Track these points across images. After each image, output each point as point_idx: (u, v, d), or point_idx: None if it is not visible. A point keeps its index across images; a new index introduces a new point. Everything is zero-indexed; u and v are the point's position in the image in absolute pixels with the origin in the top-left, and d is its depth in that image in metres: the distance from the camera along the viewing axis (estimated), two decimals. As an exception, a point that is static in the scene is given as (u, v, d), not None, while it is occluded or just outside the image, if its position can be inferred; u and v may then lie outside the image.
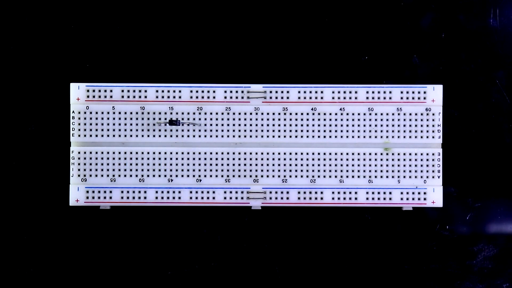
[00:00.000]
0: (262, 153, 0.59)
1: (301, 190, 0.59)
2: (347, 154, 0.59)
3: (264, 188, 0.59)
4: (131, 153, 0.59)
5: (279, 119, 0.59)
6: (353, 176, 0.59)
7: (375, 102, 0.59)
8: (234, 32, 0.61)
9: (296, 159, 0.59)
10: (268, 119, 0.59)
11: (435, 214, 0.61)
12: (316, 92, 0.59)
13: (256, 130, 0.59)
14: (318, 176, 0.59)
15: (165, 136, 0.59)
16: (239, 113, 0.59)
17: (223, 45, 0.61)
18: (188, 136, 0.59)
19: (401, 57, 0.61)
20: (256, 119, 0.59)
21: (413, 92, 0.59)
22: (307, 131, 0.59)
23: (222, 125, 0.59)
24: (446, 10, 0.62)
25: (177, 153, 0.59)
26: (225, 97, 0.59)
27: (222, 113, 0.59)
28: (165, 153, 0.59)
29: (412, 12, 0.61)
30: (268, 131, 0.59)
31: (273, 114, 0.59)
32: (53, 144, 0.61)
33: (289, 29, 0.61)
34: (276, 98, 0.59)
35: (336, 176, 0.59)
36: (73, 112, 0.59)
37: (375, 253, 0.61)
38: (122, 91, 0.59)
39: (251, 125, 0.59)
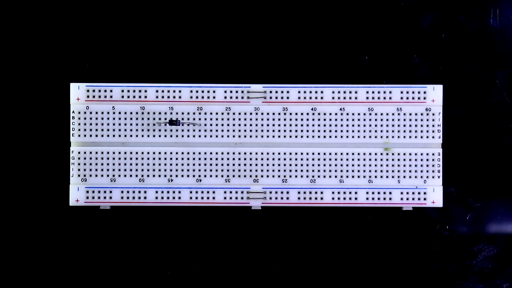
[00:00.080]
0: (262, 153, 0.59)
1: (301, 190, 0.59)
2: (347, 154, 0.59)
3: (264, 188, 0.59)
4: (131, 153, 0.59)
5: (279, 119, 0.59)
6: (353, 176, 0.59)
7: (375, 102, 0.59)
8: (234, 32, 0.61)
9: (296, 159, 0.59)
10: (268, 119, 0.59)
11: (435, 214, 0.61)
12: (316, 92, 0.59)
13: (256, 130, 0.59)
14: (318, 176, 0.59)
15: (165, 136, 0.59)
16: (239, 113, 0.59)
17: (223, 45, 0.61)
18: (188, 136, 0.59)
19: (401, 57, 0.61)
20: (256, 119, 0.59)
21: (413, 92, 0.59)
22: (307, 131, 0.59)
23: (222, 125, 0.59)
24: (446, 10, 0.62)
25: (177, 153, 0.59)
26: (225, 97, 0.59)
27: (222, 113, 0.59)
28: (165, 153, 0.59)
29: (412, 12, 0.61)
30: (268, 131, 0.59)
31: (273, 114, 0.59)
32: (53, 144, 0.61)
33: (289, 29, 0.61)
34: (276, 98, 0.59)
35: (336, 176, 0.59)
36: (73, 112, 0.59)
37: (375, 253, 0.61)
38: (122, 91, 0.59)
39: (251, 125, 0.59)
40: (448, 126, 0.61)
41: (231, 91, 0.59)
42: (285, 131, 0.59)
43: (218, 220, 0.61)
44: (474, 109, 0.61)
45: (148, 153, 0.59)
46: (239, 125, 0.59)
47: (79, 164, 0.59)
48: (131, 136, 0.59)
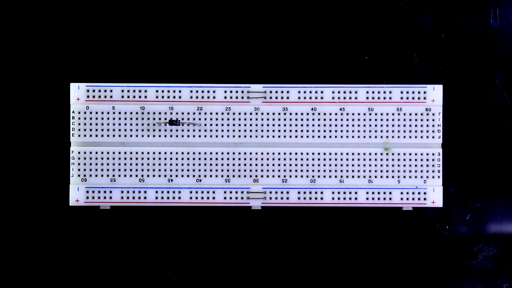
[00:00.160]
0: (262, 153, 0.59)
1: (301, 190, 0.59)
2: (347, 154, 0.59)
3: (264, 188, 0.59)
4: (131, 153, 0.59)
5: (279, 119, 0.59)
6: (353, 176, 0.59)
7: (375, 102, 0.59)
8: (234, 32, 0.61)
9: (296, 159, 0.59)
10: (268, 119, 0.59)
11: (435, 214, 0.61)
12: (316, 92, 0.59)
13: (256, 130, 0.59)
14: (318, 176, 0.59)
15: (165, 136, 0.59)
16: (239, 113, 0.59)
17: (223, 45, 0.61)
18: (188, 136, 0.59)
19: (401, 57, 0.61)
20: (256, 119, 0.59)
21: (413, 92, 0.59)
22: (307, 131, 0.59)
23: (222, 125, 0.59)
24: (446, 10, 0.62)
25: (177, 153, 0.59)
26: (225, 97, 0.59)
27: (222, 113, 0.59)
28: (165, 153, 0.59)
29: (412, 12, 0.61)
30: (268, 131, 0.59)
31: (273, 114, 0.59)
32: (53, 144, 0.61)
33: (289, 29, 0.61)
34: (276, 98, 0.59)
35: (336, 176, 0.59)
36: (73, 112, 0.59)
37: (375, 253, 0.61)
38: (122, 91, 0.59)
39: (251, 125, 0.59)
40: (448, 126, 0.61)
41: (231, 91, 0.59)
42: (285, 131, 0.59)
43: (218, 220, 0.61)
44: (474, 109, 0.61)
45: (148, 153, 0.59)
46: (239, 125, 0.59)
47: (79, 164, 0.59)
48: (131, 136, 0.59)
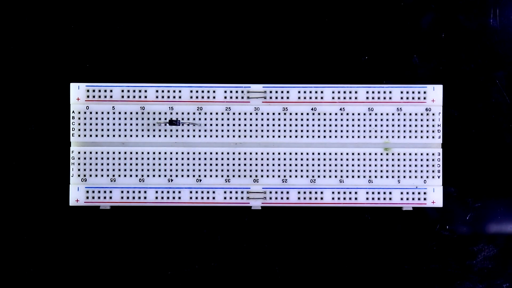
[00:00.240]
0: (262, 153, 0.59)
1: (301, 190, 0.59)
2: (347, 154, 0.59)
3: (264, 188, 0.59)
4: (131, 153, 0.59)
5: (279, 119, 0.59)
6: (353, 176, 0.59)
7: (375, 102, 0.59)
8: (234, 32, 0.61)
9: (296, 159, 0.59)
10: (268, 119, 0.59)
11: (435, 214, 0.61)
12: (316, 92, 0.59)
13: (256, 130, 0.59)
14: (318, 176, 0.59)
15: (165, 136, 0.59)
16: (239, 113, 0.59)
17: (223, 45, 0.61)
18: (188, 136, 0.59)
19: (401, 57, 0.61)
20: (256, 119, 0.59)
21: (413, 92, 0.59)
22: (307, 131, 0.59)
23: (222, 125, 0.59)
24: (446, 10, 0.62)
25: (177, 153, 0.59)
26: (225, 97, 0.59)
27: (222, 113, 0.59)
28: (165, 153, 0.59)
29: (412, 12, 0.61)
30: (268, 131, 0.59)
31: (273, 114, 0.59)
32: (53, 144, 0.61)
33: (289, 29, 0.61)
34: (276, 98, 0.59)
35: (336, 176, 0.59)
36: (73, 112, 0.59)
37: (375, 253, 0.61)
38: (122, 91, 0.59)
39: (251, 125, 0.59)
40: (448, 126, 0.61)
41: (231, 91, 0.59)
42: (285, 131, 0.59)
43: (218, 220, 0.61)
44: (474, 109, 0.61)
45: (148, 153, 0.59)
46: (239, 125, 0.59)
47: (79, 164, 0.59)
48: (131, 136, 0.59)
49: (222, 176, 0.59)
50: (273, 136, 0.59)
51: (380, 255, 0.61)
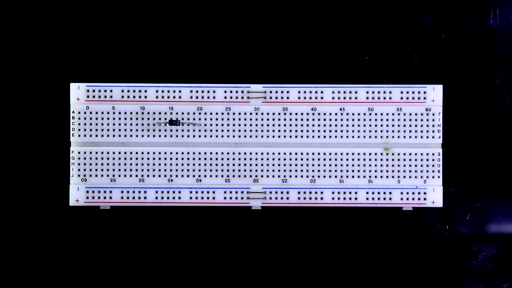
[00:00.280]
0: (262, 153, 0.59)
1: (301, 190, 0.59)
2: (347, 154, 0.59)
3: (264, 188, 0.59)
4: (131, 153, 0.59)
5: (279, 119, 0.59)
6: (353, 176, 0.59)
7: (375, 102, 0.59)
8: (234, 32, 0.61)
9: (296, 159, 0.59)
10: (268, 119, 0.59)
11: (435, 214, 0.61)
12: (316, 92, 0.59)
13: (256, 130, 0.59)
14: (318, 176, 0.59)
15: (165, 136, 0.59)
16: (239, 113, 0.59)
17: (223, 45, 0.61)
18: (188, 136, 0.59)
19: (401, 57, 0.61)
20: (256, 119, 0.59)
21: (413, 92, 0.59)
22: (307, 131, 0.59)
23: (222, 125, 0.59)
24: (446, 10, 0.62)
25: (177, 153, 0.59)
26: (225, 97, 0.59)
27: (222, 113, 0.59)
28: (165, 153, 0.59)
29: (412, 12, 0.61)
30: (268, 131, 0.59)
31: (273, 114, 0.59)
32: (53, 144, 0.61)
33: (289, 29, 0.61)
34: (276, 98, 0.59)
35: (336, 176, 0.59)
36: (73, 112, 0.59)
37: (375, 253, 0.61)
38: (122, 91, 0.59)
39: (251, 125, 0.59)
40: (448, 126, 0.61)
41: (231, 91, 0.59)
42: (285, 131, 0.59)
43: (218, 220, 0.61)
44: (474, 109, 0.61)
45: (148, 153, 0.59)
46: (239, 125, 0.59)
47: (79, 164, 0.59)
48: (131, 136, 0.59)
49: (222, 176, 0.59)
50: (273, 136, 0.59)
51: (380, 255, 0.61)
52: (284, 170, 0.59)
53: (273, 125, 0.59)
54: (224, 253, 0.61)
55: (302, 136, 0.59)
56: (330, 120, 0.59)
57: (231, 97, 0.59)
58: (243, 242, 0.61)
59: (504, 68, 0.61)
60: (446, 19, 0.61)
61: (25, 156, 0.61)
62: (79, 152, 0.59)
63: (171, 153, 0.59)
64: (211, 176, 0.59)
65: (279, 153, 0.59)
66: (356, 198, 0.59)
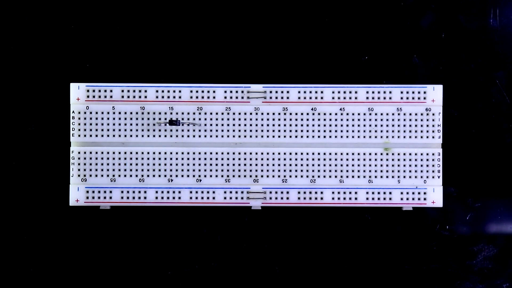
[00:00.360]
0: (262, 153, 0.59)
1: (301, 190, 0.59)
2: (347, 154, 0.59)
3: (264, 188, 0.59)
4: (131, 153, 0.59)
5: (279, 119, 0.59)
6: (353, 176, 0.59)
7: (375, 102, 0.59)
8: (234, 32, 0.61)
9: (296, 159, 0.59)
10: (268, 119, 0.59)
11: (435, 214, 0.61)
12: (316, 92, 0.59)
13: (256, 130, 0.59)
14: (318, 176, 0.59)
15: (165, 136, 0.59)
16: (239, 113, 0.59)
17: (223, 45, 0.61)
18: (188, 136, 0.59)
19: (401, 57, 0.61)
20: (256, 119, 0.59)
21: (413, 92, 0.59)
22: (307, 131, 0.59)
23: (222, 125, 0.59)
24: (446, 10, 0.62)
25: (177, 153, 0.59)
26: (225, 97, 0.59)
27: (222, 113, 0.59)
28: (165, 153, 0.59)
29: (412, 12, 0.61)
30: (268, 131, 0.59)
31: (273, 114, 0.59)
32: (53, 144, 0.61)
33: (289, 29, 0.61)
34: (276, 98, 0.59)
35: (336, 176, 0.59)
36: (73, 112, 0.59)
37: (375, 253, 0.61)
38: (122, 91, 0.59)
39: (251, 125, 0.59)
40: (448, 126, 0.61)
41: (231, 91, 0.59)
42: (285, 131, 0.59)
43: (218, 220, 0.61)
44: (474, 109, 0.61)
45: (148, 153, 0.59)
46: (239, 125, 0.59)
47: (79, 164, 0.59)
48: (131, 136, 0.59)
49: (222, 176, 0.59)
50: (273, 136, 0.59)
51: (380, 255, 0.61)
52: (284, 170, 0.59)
53: (273, 125, 0.59)
54: (224, 253, 0.61)
55: (302, 136, 0.59)
56: (330, 120, 0.59)
57: (231, 97, 0.59)
58: (243, 242, 0.61)
59: (504, 68, 0.61)
60: (446, 19, 0.61)
61: (25, 156, 0.61)
62: (79, 152, 0.59)
63: (171, 153, 0.59)
64: (211, 176, 0.59)
65: (279, 153, 0.59)
66: (356, 198, 0.59)
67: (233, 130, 0.59)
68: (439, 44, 0.61)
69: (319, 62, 0.61)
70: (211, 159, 0.59)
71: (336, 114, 0.59)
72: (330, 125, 0.59)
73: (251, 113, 0.59)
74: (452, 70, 0.61)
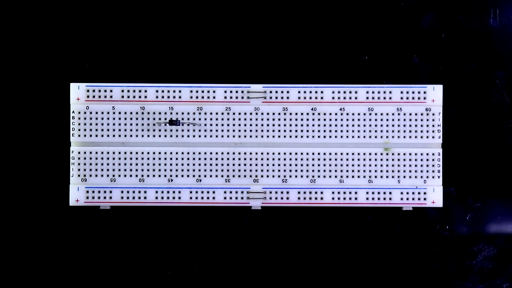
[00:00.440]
0: (262, 153, 0.59)
1: (301, 190, 0.59)
2: (347, 154, 0.59)
3: (264, 188, 0.59)
4: (131, 153, 0.59)
5: (279, 119, 0.59)
6: (353, 176, 0.59)
7: (375, 102, 0.59)
8: (234, 32, 0.61)
9: (296, 159, 0.59)
10: (268, 119, 0.59)
11: (435, 214, 0.61)
12: (316, 92, 0.59)
13: (256, 130, 0.59)
14: (318, 176, 0.59)
15: (165, 136, 0.59)
16: (239, 113, 0.59)
17: (223, 45, 0.61)
18: (188, 136, 0.59)
19: (401, 57, 0.61)
20: (256, 119, 0.59)
21: (413, 92, 0.59)
22: (307, 131, 0.59)
23: (222, 125, 0.59)
24: (446, 10, 0.62)
25: (177, 153, 0.59)
26: (225, 97, 0.59)
27: (222, 113, 0.59)
28: (165, 153, 0.59)
29: (412, 12, 0.61)
30: (268, 131, 0.59)
31: (273, 114, 0.59)
32: (53, 144, 0.61)
33: (289, 29, 0.61)
34: (276, 98, 0.59)
35: (336, 176, 0.59)
36: (73, 112, 0.59)
37: (375, 253, 0.61)
38: (122, 91, 0.59)
39: (251, 125, 0.59)
40: (448, 126, 0.61)
41: (231, 91, 0.59)
42: (285, 131, 0.59)
43: (218, 220, 0.61)
44: (474, 109, 0.61)
45: (148, 153, 0.59)
46: (239, 125, 0.59)
47: (79, 164, 0.59)
48: (131, 136, 0.59)
49: (222, 176, 0.59)
50: (273, 136, 0.59)
51: (380, 255, 0.61)
52: (284, 170, 0.59)
53: (273, 125, 0.59)
54: (224, 253, 0.61)
55: (302, 136, 0.59)
56: (330, 120, 0.59)
57: (231, 97, 0.59)
58: (243, 242, 0.61)
59: (504, 68, 0.61)
60: (446, 19, 0.61)
61: (25, 156, 0.61)
62: (79, 152, 0.59)
63: (171, 153, 0.59)
64: (211, 176, 0.59)
65: (279, 153, 0.59)
66: (356, 198, 0.59)
67: (233, 130, 0.59)
68: (439, 44, 0.61)
69: (319, 62, 0.61)
70: (211, 159, 0.59)
71: (336, 114, 0.59)
72: (330, 125, 0.59)
73: (251, 113, 0.59)
74: (452, 70, 0.61)
